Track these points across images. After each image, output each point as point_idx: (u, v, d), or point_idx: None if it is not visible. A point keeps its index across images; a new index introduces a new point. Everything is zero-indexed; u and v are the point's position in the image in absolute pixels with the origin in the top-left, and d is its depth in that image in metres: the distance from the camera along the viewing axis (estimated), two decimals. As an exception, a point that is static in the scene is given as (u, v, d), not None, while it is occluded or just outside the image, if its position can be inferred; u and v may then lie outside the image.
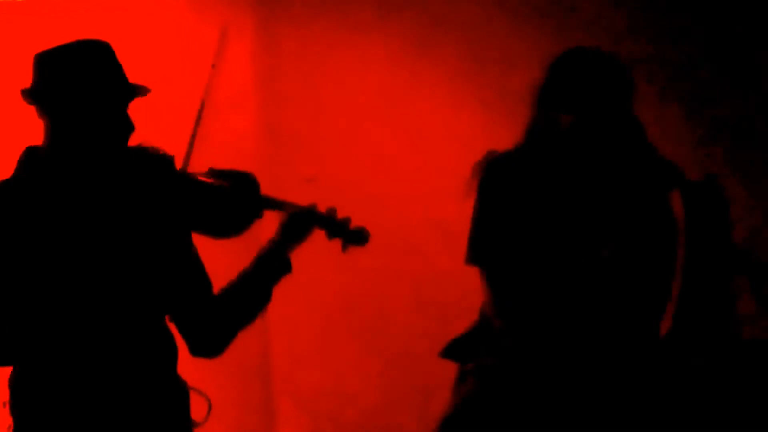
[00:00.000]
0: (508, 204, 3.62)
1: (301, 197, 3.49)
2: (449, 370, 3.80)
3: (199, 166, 3.52)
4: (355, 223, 3.45)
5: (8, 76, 4.79)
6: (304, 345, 5.46)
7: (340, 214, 3.44)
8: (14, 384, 3.22)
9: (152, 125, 3.38)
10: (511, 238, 3.60)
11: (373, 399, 5.46)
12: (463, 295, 3.88)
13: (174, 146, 3.41)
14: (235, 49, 5.36)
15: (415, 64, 5.37)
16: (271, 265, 3.32)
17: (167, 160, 3.30)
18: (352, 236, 3.40)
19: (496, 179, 3.65)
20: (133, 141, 3.26)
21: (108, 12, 5.05)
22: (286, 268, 3.34)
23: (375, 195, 5.31)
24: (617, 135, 3.61)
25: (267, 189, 3.46)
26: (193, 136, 3.48)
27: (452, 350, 3.76)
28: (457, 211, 3.79)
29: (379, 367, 5.44)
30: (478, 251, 3.65)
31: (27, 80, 3.23)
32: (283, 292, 3.37)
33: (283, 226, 3.36)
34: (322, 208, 3.42)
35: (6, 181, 3.22)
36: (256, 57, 5.49)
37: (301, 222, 3.37)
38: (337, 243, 3.42)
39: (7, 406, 3.25)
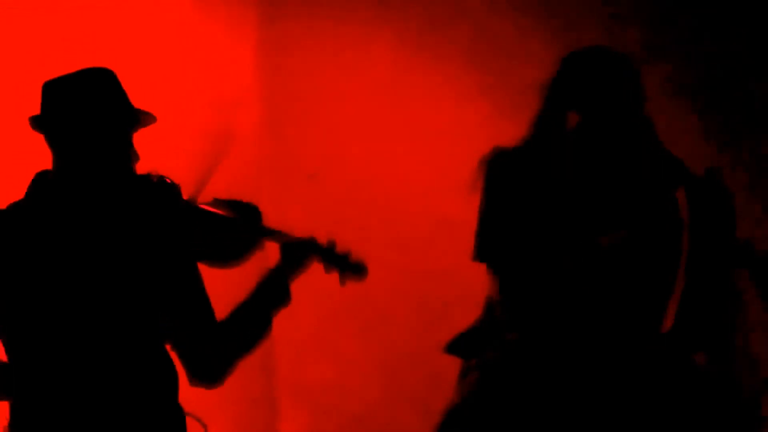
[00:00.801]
0: (514, 200, 3.63)
1: (304, 193, 3.49)
2: (452, 365, 3.81)
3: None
4: (358, 218, 3.46)
5: (13, 75, 4.82)
6: (306, 340, 5.47)
7: (344, 210, 3.45)
8: (14, 407, 3.22)
9: (158, 124, 3.39)
10: (517, 235, 3.61)
11: (376, 394, 5.47)
12: (466, 291, 3.89)
13: (177, 168, 3.43)
14: (239, 45, 5.37)
15: (419, 61, 5.38)
16: (271, 296, 3.33)
17: (172, 189, 3.32)
18: (350, 269, 3.41)
19: (502, 175, 3.65)
20: (142, 167, 3.29)
21: (112, 10, 5.06)
22: (285, 298, 3.35)
23: (378, 191, 5.31)
24: (625, 133, 3.62)
25: (271, 185, 3.47)
26: (210, 173, 3.49)
27: (456, 345, 3.77)
28: (461, 207, 3.80)
29: (381, 362, 5.45)
30: (485, 248, 3.65)
31: (30, 80, 3.26)
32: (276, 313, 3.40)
33: (283, 258, 3.37)
34: (326, 208, 3.42)
35: (17, 203, 3.25)
36: (260, 53, 5.49)
37: (299, 253, 3.37)
38: (335, 275, 3.43)
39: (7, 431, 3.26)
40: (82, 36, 4.88)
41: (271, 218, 3.49)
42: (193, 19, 5.31)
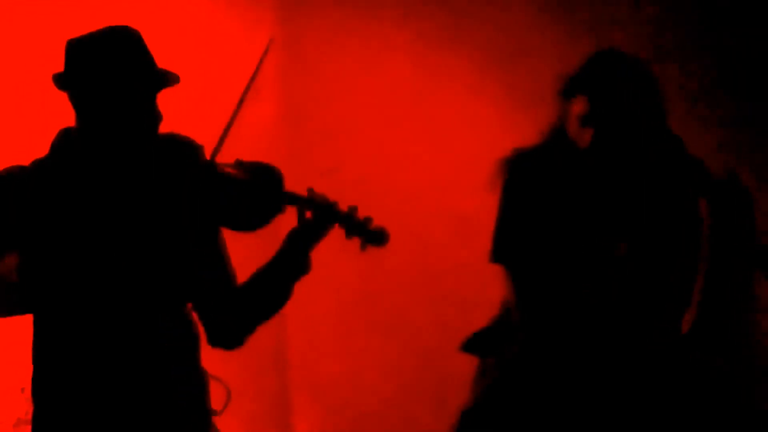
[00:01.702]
0: (532, 202, 3.62)
1: (319, 189, 3.48)
2: (467, 363, 3.80)
3: (221, 156, 3.53)
4: (374, 215, 3.45)
5: (32, 68, 4.83)
6: (321, 336, 5.47)
7: (360, 207, 3.43)
8: (35, 370, 3.23)
9: (178, 118, 3.39)
10: (535, 238, 3.60)
11: (390, 391, 5.46)
12: (481, 289, 3.88)
13: (201, 135, 3.42)
14: (257, 41, 5.37)
15: (436, 58, 5.37)
16: (291, 264, 3.32)
17: (196, 150, 3.31)
18: (371, 236, 3.37)
19: (521, 177, 3.64)
20: (164, 130, 3.28)
21: (130, 6, 5.06)
22: (305, 266, 3.34)
23: (394, 188, 5.31)
24: (645, 136, 3.61)
25: (286, 180, 3.46)
26: (229, 126, 3.48)
27: (473, 344, 3.76)
28: (477, 205, 3.79)
29: (396, 359, 5.45)
30: (503, 250, 3.64)
31: (49, 73, 3.26)
32: (301, 282, 3.37)
33: (303, 224, 3.35)
34: (343, 205, 3.41)
35: (40, 160, 3.25)
36: (278, 50, 5.49)
37: (320, 219, 3.35)
38: (356, 242, 3.40)
39: (26, 392, 3.26)
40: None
41: (286, 214, 3.48)
42: (212, 14, 5.32)
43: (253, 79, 3.49)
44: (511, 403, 3.61)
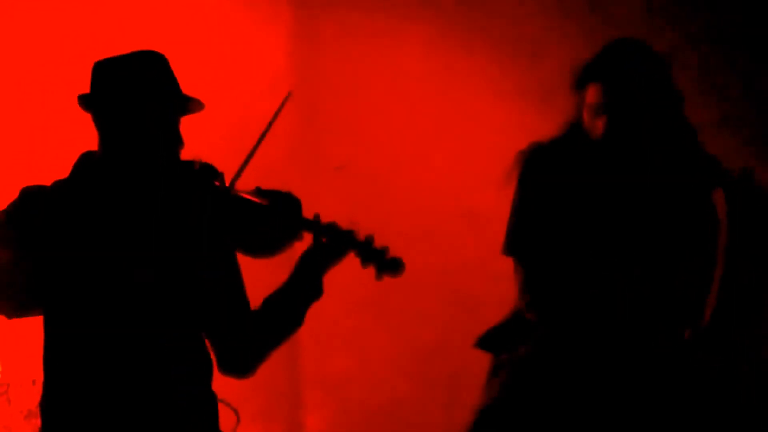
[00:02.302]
0: (547, 197, 3.61)
1: (332, 185, 3.48)
2: (478, 360, 3.79)
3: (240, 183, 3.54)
4: (387, 211, 3.44)
5: (52, 65, 4.84)
6: (332, 332, 5.47)
7: (373, 203, 3.43)
8: (47, 387, 3.23)
9: (200, 137, 3.40)
10: (549, 232, 3.59)
11: (402, 388, 5.46)
12: (493, 286, 3.88)
13: (220, 156, 3.42)
14: (272, 37, 5.37)
15: (451, 54, 5.36)
16: (304, 289, 3.33)
17: (215, 176, 3.32)
18: (387, 265, 3.35)
19: (537, 172, 3.63)
20: (187, 155, 3.30)
21: (146, 5, 5.08)
22: (317, 291, 3.34)
23: (407, 184, 5.30)
24: (661, 130, 3.60)
25: (299, 175, 3.46)
26: (250, 156, 3.49)
27: (487, 341, 3.75)
28: (489, 202, 3.78)
29: (407, 355, 5.44)
30: (516, 243, 3.63)
31: (68, 70, 3.27)
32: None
33: (318, 248, 3.34)
34: (356, 201, 3.39)
35: (61, 181, 3.26)
36: (293, 43, 5.49)
37: (337, 246, 3.34)
38: (371, 269, 3.39)
39: (37, 384, 3.26)
40: (122, 28, 4.91)
41: (303, 241, 3.48)
42: (228, 10, 5.32)
43: (271, 123, 3.50)
44: (526, 401, 3.60)
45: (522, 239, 3.63)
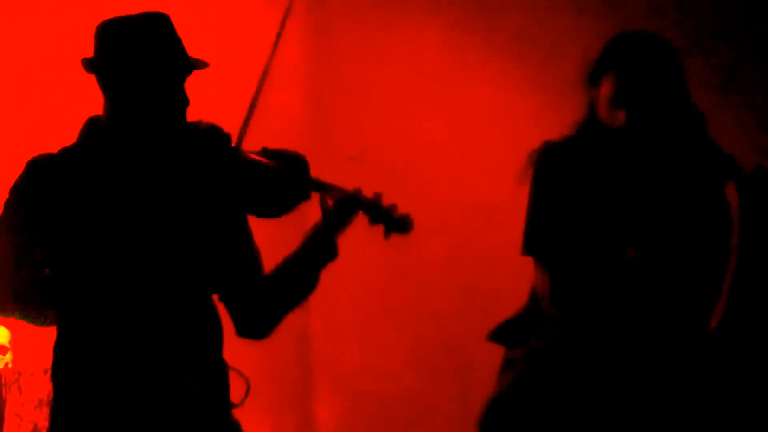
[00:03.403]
0: (564, 195, 3.60)
1: (344, 176, 3.48)
2: (489, 353, 3.79)
3: (248, 142, 3.53)
4: (400, 203, 3.44)
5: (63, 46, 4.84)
6: (343, 324, 5.47)
7: (385, 196, 3.42)
8: (57, 354, 3.23)
9: (205, 99, 3.39)
10: (567, 230, 3.58)
11: (412, 379, 5.46)
12: (506, 279, 3.87)
13: (226, 118, 3.42)
14: (286, 27, 5.36)
15: (464, 47, 5.36)
16: (318, 251, 3.31)
17: (222, 137, 3.31)
18: (395, 224, 3.36)
19: (552, 169, 3.62)
20: (192, 117, 3.28)
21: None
22: (332, 253, 3.32)
23: (420, 177, 5.30)
24: (673, 124, 3.59)
25: (312, 165, 3.46)
26: (250, 112, 3.48)
27: (500, 334, 3.75)
28: (504, 195, 3.77)
29: (418, 347, 5.44)
30: (534, 242, 3.62)
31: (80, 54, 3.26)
32: (324, 270, 3.37)
33: (328, 211, 3.34)
34: (368, 191, 3.40)
35: (68, 148, 3.25)
36: (306, 35, 5.49)
37: (345, 206, 3.34)
38: (379, 229, 3.39)
39: (49, 374, 3.27)
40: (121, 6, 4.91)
41: (310, 200, 3.48)
42: (241, 3, 5.32)
43: (276, 45, 3.48)
44: (538, 395, 3.60)
45: (540, 239, 3.62)
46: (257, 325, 3.26)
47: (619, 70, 3.56)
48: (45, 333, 3.33)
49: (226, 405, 3.26)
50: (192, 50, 3.29)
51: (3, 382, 4.63)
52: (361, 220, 3.37)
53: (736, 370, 3.65)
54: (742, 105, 5.02)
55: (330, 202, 3.35)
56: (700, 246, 3.59)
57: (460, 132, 5.35)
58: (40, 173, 3.21)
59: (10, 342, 4.77)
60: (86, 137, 3.25)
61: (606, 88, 3.58)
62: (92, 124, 3.25)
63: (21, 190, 3.22)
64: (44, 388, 4.70)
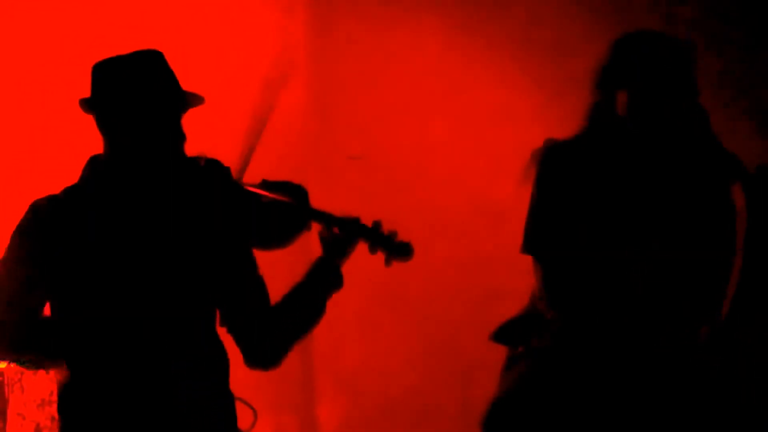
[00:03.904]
0: (565, 195, 3.60)
1: (347, 175, 3.48)
2: (492, 353, 3.79)
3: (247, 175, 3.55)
4: (402, 203, 3.44)
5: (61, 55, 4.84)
6: (346, 323, 5.47)
7: (387, 195, 3.43)
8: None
9: (206, 104, 3.40)
10: (567, 230, 3.58)
11: (414, 379, 5.46)
12: (509, 279, 3.87)
13: (226, 149, 3.43)
14: (288, 26, 5.37)
15: (468, 46, 5.36)
16: (323, 281, 3.36)
17: (222, 171, 3.33)
18: (396, 249, 3.41)
19: (554, 169, 3.62)
20: (192, 150, 3.30)
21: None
22: (337, 282, 3.38)
23: (422, 176, 5.30)
24: (679, 123, 3.59)
25: (314, 166, 3.46)
26: (252, 149, 3.50)
27: (502, 334, 3.75)
28: (507, 195, 3.77)
29: (421, 347, 5.44)
30: (534, 242, 3.63)
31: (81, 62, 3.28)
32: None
33: (328, 241, 3.38)
34: (369, 191, 3.40)
35: (71, 188, 3.27)
36: (308, 34, 5.49)
37: (346, 236, 3.38)
38: (380, 255, 3.41)
39: (52, 372, 3.27)
40: (136, 22, 4.91)
41: (313, 198, 3.49)
42: (244, 3, 5.32)
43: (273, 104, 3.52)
44: (541, 394, 3.60)
45: (540, 238, 3.63)
46: (265, 355, 3.29)
47: (632, 87, 3.55)
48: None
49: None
50: (195, 53, 3.29)
51: (5, 381, 4.63)
52: (361, 248, 3.40)
53: (736, 370, 3.65)
54: (742, 105, 5.02)
55: (332, 231, 3.38)
56: (705, 246, 3.59)
57: (462, 130, 5.35)
58: (43, 214, 3.22)
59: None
60: (88, 176, 3.27)
61: (621, 102, 3.57)
62: (93, 162, 3.28)
63: (25, 236, 3.22)
64: (47, 387, 4.70)
